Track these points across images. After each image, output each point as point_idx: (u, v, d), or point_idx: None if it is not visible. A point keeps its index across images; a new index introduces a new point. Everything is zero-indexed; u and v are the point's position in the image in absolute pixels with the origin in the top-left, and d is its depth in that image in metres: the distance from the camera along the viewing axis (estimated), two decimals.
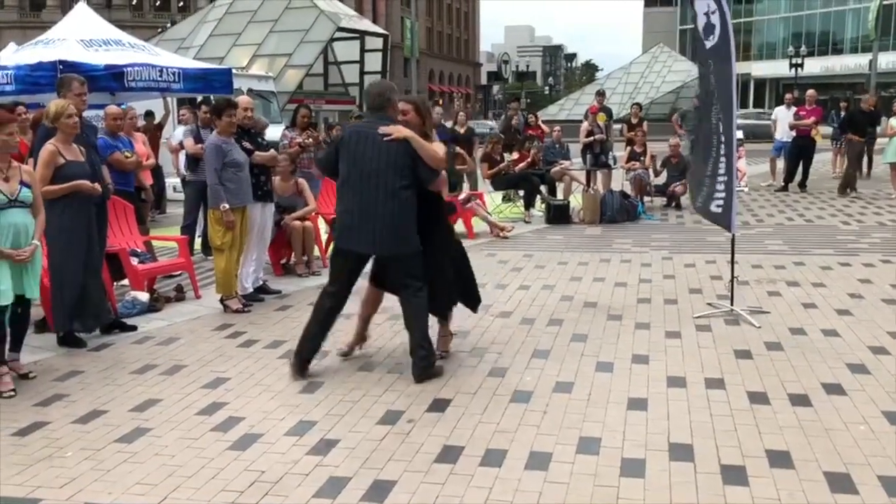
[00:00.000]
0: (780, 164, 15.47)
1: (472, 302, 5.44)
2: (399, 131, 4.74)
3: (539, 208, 12.01)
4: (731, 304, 6.24)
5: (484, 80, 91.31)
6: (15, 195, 4.77)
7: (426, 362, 4.85)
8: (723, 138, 6.27)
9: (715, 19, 6.09)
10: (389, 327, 5.98)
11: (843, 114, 18.04)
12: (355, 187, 4.81)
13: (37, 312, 5.55)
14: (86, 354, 5.54)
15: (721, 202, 6.36)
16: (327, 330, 5.04)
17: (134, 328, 6.09)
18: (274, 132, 9.63)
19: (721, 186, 6.32)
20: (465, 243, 9.68)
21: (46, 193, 5.31)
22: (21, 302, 4.90)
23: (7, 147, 4.84)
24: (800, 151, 14.57)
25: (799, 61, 46.17)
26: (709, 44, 6.26)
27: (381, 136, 4.73)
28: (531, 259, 8.64)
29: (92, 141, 6.11)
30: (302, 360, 4.95)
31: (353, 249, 4.91)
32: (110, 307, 6.11)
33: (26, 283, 4.85)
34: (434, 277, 4.99)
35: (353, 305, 5.28)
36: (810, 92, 15.22)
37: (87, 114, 6.12)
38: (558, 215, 11.32)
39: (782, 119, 15.15)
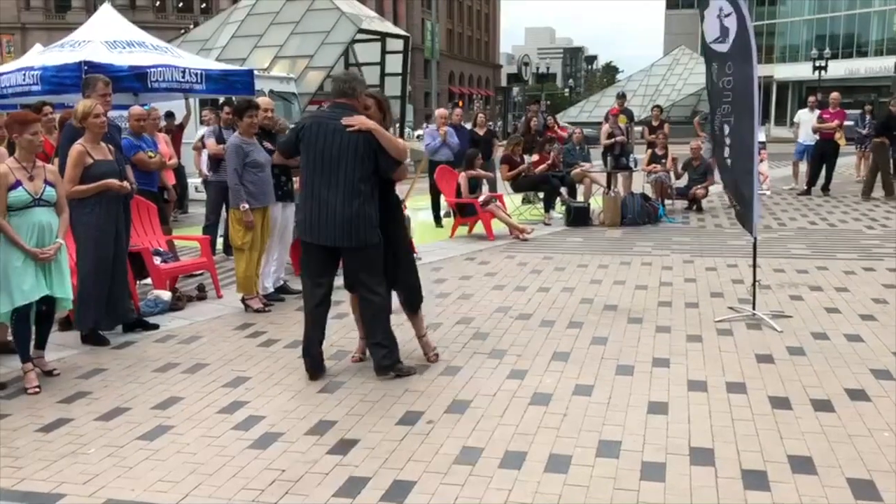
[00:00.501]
0: (803, 167, 15.34)
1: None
2: (363, 122, 4.71)
3: (559, 210, 11.98)
4: (753, 308, 6.20)
5: (504, 82, 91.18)
6: (40, 194, 4.84)
7: (388, 360, 4.87)
8: (727, 140, 6.25)
9: (729, 22, 6.04)
10: (409, 328, 5.98)
11: (868, 117, 17.85)
12: (316, 177, 4.78)
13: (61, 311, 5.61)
14: (109, 352, 5.60)
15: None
16: (322, 326, 4.99)
17: (156, 327, 6.14)
18: None
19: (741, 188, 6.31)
20: (485, 245, 9.74)
21: (76, 193, 5.39)
22: (46, 300, 4.96)
23: (32, 147, 4.91)
24: (823, 155, 14.44)
25: (822, 64, 45.74)
26: (722, 47, 6.20)
27: (343, 126, 4.70)
28: (551, 261, 8.62)
29: (117, 141, 6.18)
30: (312, 361, 4.95)
31: (314, 242, 4.86)
32: (133, 306, 6.16)
33: (55, 282, 4.91)
34: (399, 272, 5.02)
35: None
36: (834, 95, 15.08)
37: (111, 114, 6.18)
38: (578, 217, 11.29)
39: (805, 122, 15.03)
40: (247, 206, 6.48)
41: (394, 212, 5.03)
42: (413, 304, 5.17)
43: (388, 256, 4.94)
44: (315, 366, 4.95)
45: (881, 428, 4.02)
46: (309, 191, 4.85)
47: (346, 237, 4.75)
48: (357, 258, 4.85)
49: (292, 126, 5.97)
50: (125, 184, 5.66)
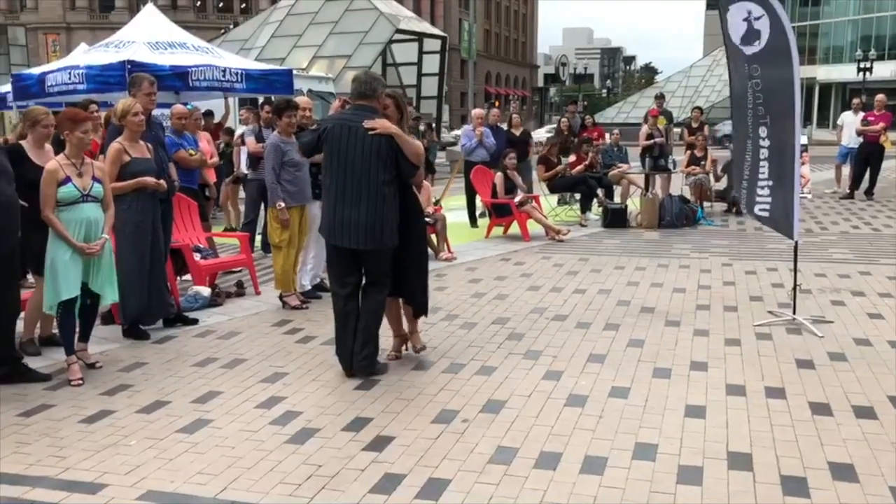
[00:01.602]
0: (846, 170, 15.06)
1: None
2: (384, 126, 4.73)
3: (596, 212, 11.91)
4: (794, 313, 6.11)
5: (541, 83, 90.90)
6: (88, 190, 4.95)
7: (368, 362, 4.91)
8: (764, 143, 6.16)
9: (760, 24, 5.94)
10: (444, 327, 6.01)
11: None
12: (338, 180, 4.81)
13: (106, 305, 5.71)
14: (149, 346, 5.70)
15: (766, 206, 6.28)
16: (352, 328, 4.96)
17: (195, 322, 6.24)
18: None
19: (765, 192, 6.23)
20: (520, 245, 9.73)
21: (114, 190, 5.49)
22: (90, 294, 5.07)
23: (82, 144, 5.02)
24: (867, 158, 14.17)
25: (867, 65, 44.83)
26: (751, 49, 6.10)
27: (365, 129, 4.72)
28: (587, 263, 8.58)
29: (161, 138, 6.29)
30: (345, 361, 4.97)
31: (336, 244, 4.89)
32: (173, 301, 6.27)
33: (99, 277, 5.02)
34: (415, 273, 5.06)
35: None
36: (879, 96, 14.77)
37: (154, 112, 6.29)
38: (615, 219, 11.21)
39: (849, 124, 14.75)
40: (283, 204, 6.55)
41: (411, 216, 5.02)
42: (418, 311, 5.23)
43: (401, 260, 4.97)
44: (350, 366, 4.97)
45: None
46: (332, 193, 4.87)
47: (369, 240, 4.79)
48: (376, 259, 4.90)
49: (313, 127, 6.01)
50: (161, 182, 5.75)
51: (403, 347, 5.35)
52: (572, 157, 12.40)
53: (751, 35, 6.07)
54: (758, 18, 5.95)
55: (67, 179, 4.87)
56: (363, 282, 5.01)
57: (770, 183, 6.24)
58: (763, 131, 6.19)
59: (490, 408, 4.40)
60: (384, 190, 4.77)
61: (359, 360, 4.89)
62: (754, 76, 6.13)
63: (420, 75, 27.90)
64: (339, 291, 5.00)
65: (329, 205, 4.90)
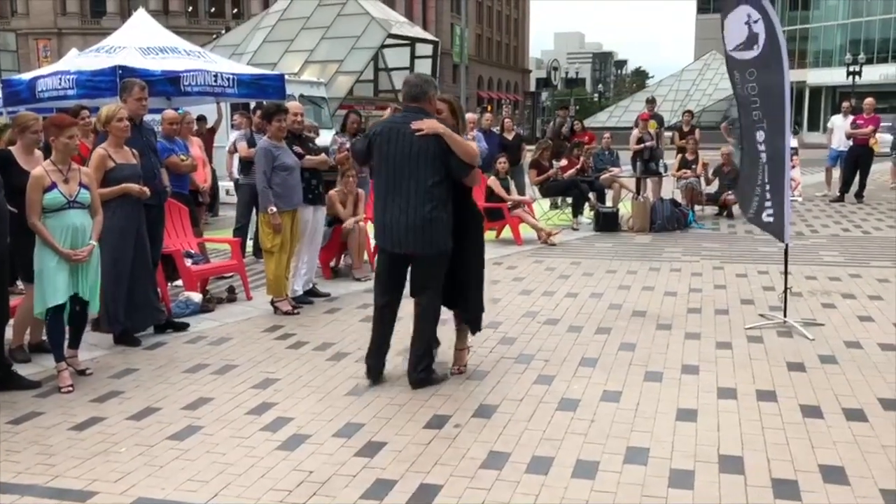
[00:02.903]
0: (836, 173, 15.13)
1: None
2: (431, 126, 4.63)
3: (587, 215, 11.94)
4: (784, 316, 6.13)
5: (533, 87, 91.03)
6: (74, 196, 4.92)
7: (426, 374, 4.82)
8: (761, 147, 6.17)
9: (758, 28, 5.97)
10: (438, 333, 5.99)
11: None
12: (387, 183, 4.75)
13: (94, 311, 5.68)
14: (140, 353, 5.67)
15: (772, 212, 6.27)
16: (387, 332, 4.94)
17: (186, 328, 6.22)
18: (325, 137, 9.75)
19: (768, 196, 6.24)
20: (513, 249, 9.73)
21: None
22: (79, 300, 5.05)
23: (68, 150, 5.00)
24: (857, 161, 14.24)
25: (857, 69, 45.08)
26: (751, 54, 6.13)
27: (412, 130, 4.64)
28: (579, 266, 8.59)
29: (153, 144, 6.27)
30: (373, 369, 4.93)
31: (386, 248, 4.84)
32: (164, 307, 6.24)
33: (86, 286, 4.99)
34: (468, 282, 4.93)
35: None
36: (868, 100, 14.86)
37: (145, 118, 6.27)
38: (607, 223, 11.23)
39: (839, 128, 14.83)
40: (274, 209, 6.54)
41: (469, 222, 4.90)
42: (473, 326, 5.10)
43: (457, 269, 4.84)
44: (375, 373, 4.92)
45: None
46: (382, 196, 4.80)
47: (418, 244, 4.68)
48: (425, 264, 4.77)
49: (335, 133, 5.96)
50: (145, 189, 5.72)
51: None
52: (564, 161, 12.42)
53: (751, 39, 6.07)
54: (756, 21, 5.97)
55: (53, 185, 4.85)
56: (408, 291, 4.91)
57: (768, 187, 6.25)
58: (760, 136, 6.20)
59: (482, 412, 4.40)
60: (433, 191, 4.64)
61: (417, 373, 4.79)
62: (749, 80, 6.15)
63: (403, 81, 27.90)
64: (380, 300, 4.92)
65: (378, 209, 4.84)
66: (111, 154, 5.61)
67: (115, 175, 5.59)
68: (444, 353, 5.21)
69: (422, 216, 4.64)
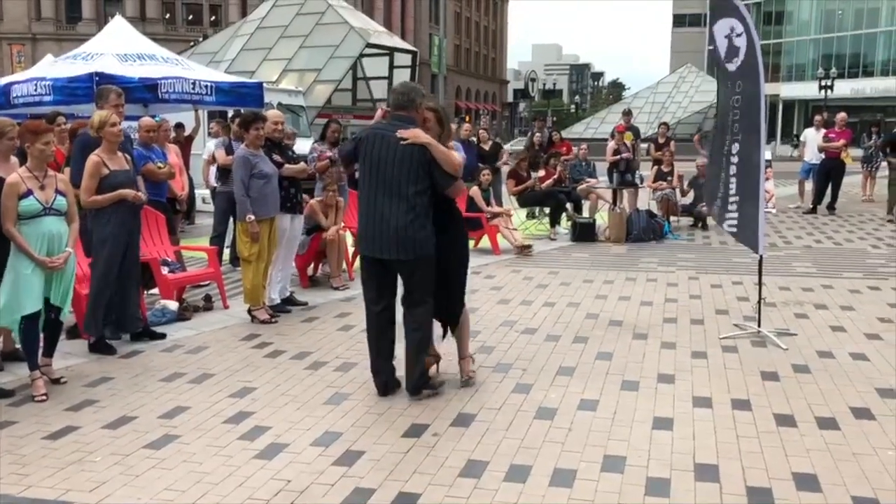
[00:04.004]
0: (809, 186, 15.36)
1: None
2: (417, 135, 4.65)
3: (565, 226, 12.01)
4: (758, 326, 6.20)
5: (510, 98, 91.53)
6: (50, 203, 4.88)
7: (423, 379, 4.80)
8: (734, 159, 6.27)
9: (739, 42, 6.07)
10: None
11: (874, 137, 17.89)
12: (369, 189, 4.76)
13: (69, 319, 5.64)
14: (116, 361, 5.62)
15: (734, 222, 6.37)
16: (387, 342, 4.87)
17: (163, 336, 6.17)
18: (302, 146, 9.72)
19: (733, 206, 6.34)
20: (490, 259, 9.77)
21: (93, 203, 5.44)
22: (54, 308, 5.00)
23: (44, 156, 4.96)
24: (829, 173, 14.47)
25: (829, 83, 45.85)
26: (732, 66, 6.23)
27: (398, 139, 4.65)
28: (556, 276, 8.64)
29: (129, 151, 6.24)
30: (380, 380, 4.87)
31: (367, 254, 4.83)
32: (140, 315, 6.19)
33: (59, 293, 4.94)
34: (451, 286, 4.93)
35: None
36: (841, 115, 15.13)
37: (122, 125, 6.23)
38: (584, 233, 11.31)
39: (811, 141, 15.06)
40: (252, 217, 6.52)
41: (452, 232, 4.91)
42: (452, 322, 5.08)
43: (445, 276, 4.83)
44: (386, 384, 4.85)
45: (886, 447, 4.02)
46: (365, 203, 4.81)
47: (400, 250, 4.67)
48: (410, 271, 4.75)
49: (314, 142, 5.94)
50: (140, 194, 5.71)
51: (436, 369, 5.12)
52: (542, 172, 12.50)
53: (731, 52, 6.17)
54: (738, 35, 6.07)
55: (29, 192, 4.80)
56: (400, 298, 4.87)
57: (737, 198, 6.35)
58: (735, 147, 6.29)
59: (460, 421, 4.41)
60: (416, 200, 4.64)
61: (415, 379, 4.75)
62: (737, 92, 6.24)
63: (390, 89, 27.95)
64: (373, 308, 4.87)
65: (362, 215, 4.84)
66: (105, 161, 5.58)
67: (111, 181, 5.55)
68: (449, 365, 5.18)
69: (403, 223, 4.63)
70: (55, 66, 11.89)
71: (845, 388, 4.93)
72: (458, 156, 4.83)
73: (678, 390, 4.91)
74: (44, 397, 4.79)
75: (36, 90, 10.79)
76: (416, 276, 4.76)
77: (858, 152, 17.82)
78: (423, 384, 4.80)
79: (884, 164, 15.79)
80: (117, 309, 5.70)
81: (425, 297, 4.80)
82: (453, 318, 5.07)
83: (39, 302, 4.85)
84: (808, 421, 4.38)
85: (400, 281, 4.88)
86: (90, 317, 5.58)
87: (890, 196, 14.08)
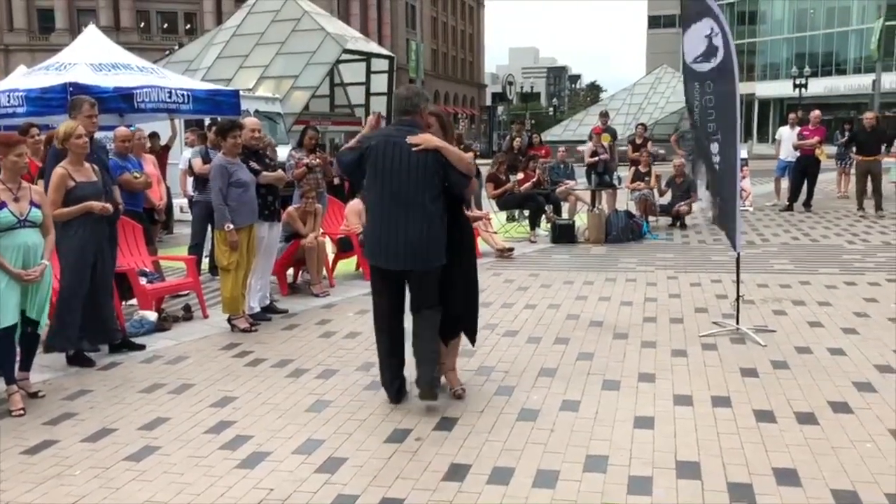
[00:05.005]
0: (785, 183, 15.52)
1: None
2: (429, 141, 4.56)
3: (544, 228, 12.05)
4: (737, 323, 6.25)
5: (489, 102, 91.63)
6: (25, 215, 4.83)
7: (433, 384, 4.66)
8: (716, 158, 6.32)
9: (718, 41, 6.13)
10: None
11: (847, 134, 18.11)
12: (381, 198, 4.62)
13: (46, 332, 5.57)
14: (94, 374, 5.57)
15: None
16: (398, 351, 4.77)
17: (142, 347, 6.12)
18: (281, 153, 9.69)
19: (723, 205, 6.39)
20: None
21: (59, 216, 5.37)
22: (30, 321, 4.94)
23: (17, 168, 4.90)
24: (804, 171, 14.62)
25: (803, 81, 46.37)
26: (708, 66, 6.28)
27: (409, 145, 4.54)
28: (537, 278, 8.67)
29: (105, 161, 6.18)
30: (394, 388, 4.77)
31: (380, 265, 4.70)
32: (119, 326, 6.14)
33: (35, 306, 4.89)
34: (465, 295, 4.84)
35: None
36: (815, 112, 15.29)
37: (97, 135, 6.19)
38: (564, 235, 11.36)
39: (786, 139, 15.22)
40: (231, 226, 6.48)
41: (463, 236, 4.86)
42: (471, 335, 5.04)
43: (448, 282, 4.73)
44: (399, 391, 4.77)
45: (864, 439, 4.07)
46: (377, 212, 4.67)
47: (415, 260, 4.57)
48: (421, 280, 4.65)
49: (292, 149, 5.78)
50: (107, 206, 5.64)
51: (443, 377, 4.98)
52: (520, 175, 12.54)
53: (710, 52, 6.21)
54: (716, 35, 6.12)
55: (3, 205, 4.74)
56: (408, 306, 4.77)
57: (717, 199, 6.40)
58: (714, 147, 6.34)
59: (443, 425, 4.41)
60: (431, 207, 4.55)
61: (426, 382, 4.64)
62: (707, 93, 6.29)
63: (368, 95, 27.96)
64: (384, 317, 4.77)
65: (373, 225, 4.70)
66: (71, 173, 5.51)
67: (77, 194, 5.48)
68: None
69: (419, 232, 4.53)
70: (28, 78, 11.79)
71: (823, 382, 4.98)
72: (468, 155, 4.78)
73: (659, 389, 4.93)
74: (21, 412, 4.73)
75: (9, 102, 10.68)
76: (426, 283, 4.67)
77: (833, 149, 18.03)
78: (435, 385, 4.67)
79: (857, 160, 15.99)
80: (93, 321, 5.63)
81: (435, 301, 4.70)
82: (474, 326, 5.01)
83: (15, 315, 4.79)
84: (788, 416, 4.42)
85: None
86: (56, 329, 5.49)
87: (857, 189, 14.27)
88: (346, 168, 4.94)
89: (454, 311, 4.83)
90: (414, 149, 4.54)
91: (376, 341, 4.90)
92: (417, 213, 4.55)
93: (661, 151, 18.30)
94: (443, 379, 4.92)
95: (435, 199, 4.60)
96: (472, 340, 5.13)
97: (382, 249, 4.64)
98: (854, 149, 14.69)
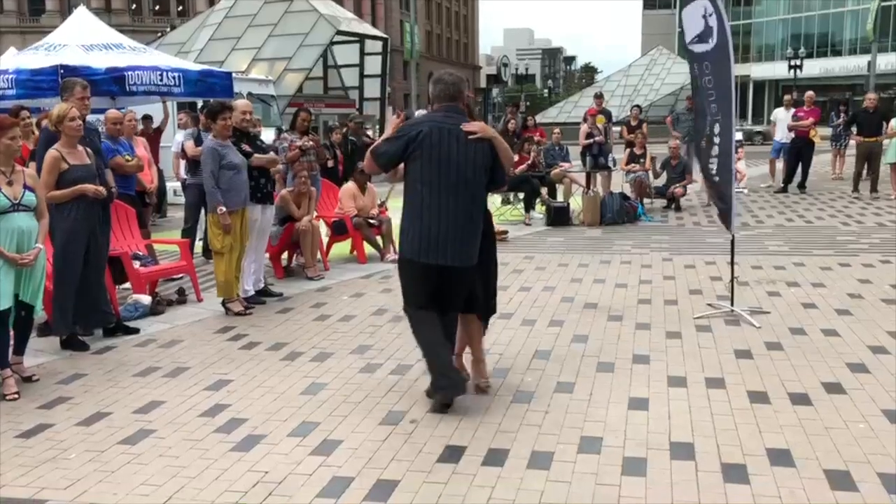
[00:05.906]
0: (780, 165, 15.51)
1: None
2: (483, 129, 4.36)
3: (539, 210, 12.03)
4: (732, 305, 6.26)
5: (483, 83, 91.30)
6: (18, 199, 4.79)
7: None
8: (716, 140, 6.30)
9: (713, 21, 6.10)
10: (391, 328, 6.01)
11: (843, 115, 18.09)
12: (439, 190, 4.28)
13: (40, 315, 5.56)
14: (89, 357, 5.56)
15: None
16: (445, 348, 4.45)
17: (136, 331, 6.11)
18: (267, 135, 9.61)
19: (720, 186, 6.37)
20: None
21: (52, 198, 5.34)
22: (24, 305, 4.93)
23: (10, 151, 4.86)
24: (799, 152, 14.61)
25: (798, 63, 46.24)
26: (706, 47, 6.25)
27: (465, 133, 4.31)
28: (532, 261, 8.66)
29: (97, 144, 6.14)
30: (455, 384, 4.40)
31: (415, 258, 4.35)
32: (113, 310, 6.12)
33: (29, 290, 4.87)
34: (489, 281, 4.72)
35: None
36: (809, 93, 15.27)
37: (88, 118, 6.14)
38: (558, 217, 11.35)
39: (781, 120, 15.20)
40: (224, 209, 6.46)
41: (489, 232, 4.68)
42: (485, 317, 4.83)
43: (481, 273, 4.57)
44: (456, 387, 4.39)
45: (857, 420, 4.09)
46: (431, 205, 4.29)
47: (464, 256, 4.34)
48: (462, 276, 4.41)
49: (284, 131, 5.53)
50: (101, 189, 5.61)
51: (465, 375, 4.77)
52: (515, 157, 12.48)
53: (706, 32, 6.18)
54: (710, 16, 6.08)
55: None
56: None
57: (716, 179, 6.38)
58: (717, 128, 6.31)
59: (438, 407, 4.41)
60: (481, 200, 4.41)
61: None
62: (706, 73, 6.26)
63: (362, 77, 27.81)
64: (427, 314, 4.43)
65: (425, 218, 4.31)
66: (64, 156, 5.47)
67: (70, 176, 5.45)
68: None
69: (468, 225, 4.34)
70: (18, 59, 11.65)
71: (817, 364, 4.99)
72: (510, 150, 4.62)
73: (653, 370, 4.94)
74: (15, 395, 4.73)
75: None
76: (465, 281, 4.46)
77: (827, 131, 18.01)
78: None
79: (852, 142, 16.00)
80: (86, 305, 5.62)
81: (461, 306, 4.56)
82: (491, 312, 4.84)
83: (10, 299, 4.76)
84: (782, 397, 4.44)
85: None
86: (57, 314, 5.49)
87: (855, 171, 14.25)
88: (388, 160, 4.44)
89: (488, 297, 4.71)
90: (470, 136, 4.33)
91: (427, 356, 4.47)
92: (471, 206, 4.36)
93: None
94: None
95: (484, 192, 4.45)
96: (485, 327, 4.95)
97: (433, 245, 4.29)
98: (854, 130, 14.67)
